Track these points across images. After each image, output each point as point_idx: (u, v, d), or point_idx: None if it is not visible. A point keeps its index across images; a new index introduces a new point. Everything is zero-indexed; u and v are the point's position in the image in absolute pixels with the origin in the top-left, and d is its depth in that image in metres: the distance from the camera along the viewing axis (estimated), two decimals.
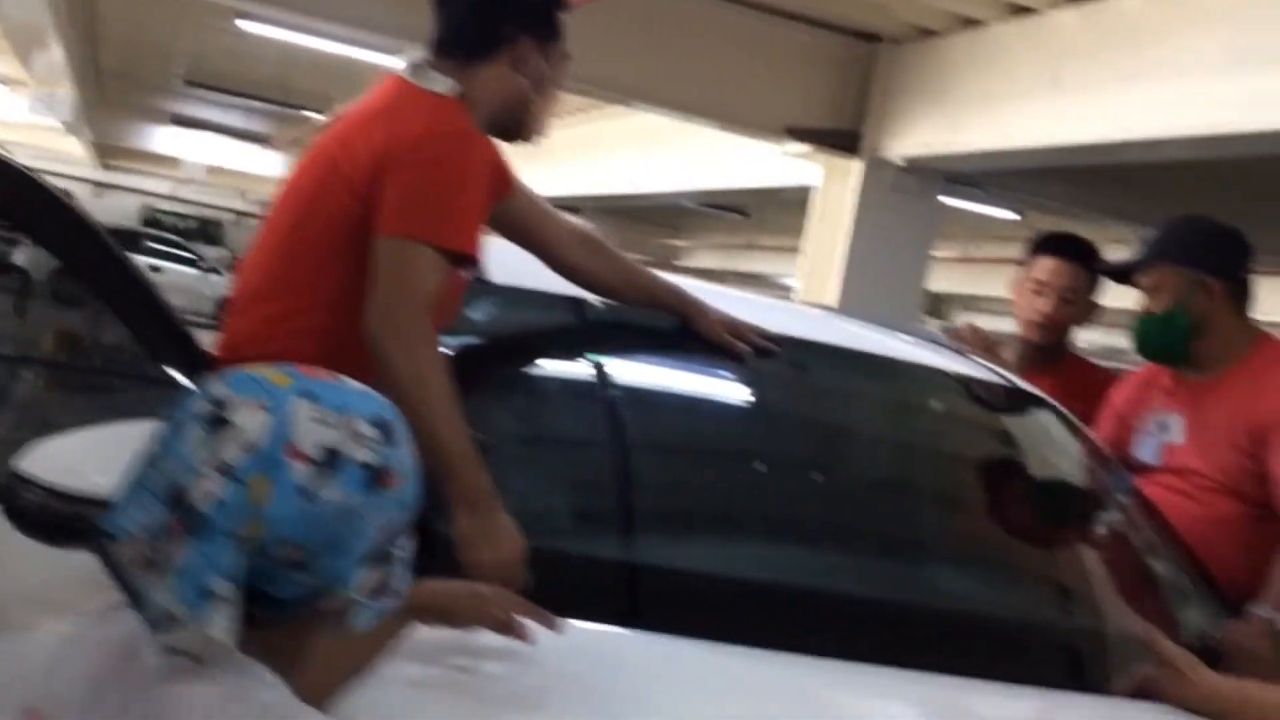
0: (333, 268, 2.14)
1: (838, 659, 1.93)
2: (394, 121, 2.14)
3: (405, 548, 1.33)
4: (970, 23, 6.62)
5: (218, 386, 1.25)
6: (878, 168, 7.09)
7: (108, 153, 26.49)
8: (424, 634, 1.65)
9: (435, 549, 1.82)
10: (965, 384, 2.96)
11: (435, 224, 2.07)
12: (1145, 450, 3.01)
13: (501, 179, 2.31)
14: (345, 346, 2.04)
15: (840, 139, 7.17)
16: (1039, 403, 3.01)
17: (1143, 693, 2.08)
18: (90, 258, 2.14)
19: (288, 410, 1.22)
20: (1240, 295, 2.95)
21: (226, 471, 1.18)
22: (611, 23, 6.90)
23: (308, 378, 1.28)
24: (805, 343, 2.77)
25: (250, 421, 1.20)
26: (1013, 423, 3.09)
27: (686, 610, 1.96)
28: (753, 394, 2.73)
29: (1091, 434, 2.99)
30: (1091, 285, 3.57)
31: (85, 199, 22.77)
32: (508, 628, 1.65)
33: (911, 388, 2.99)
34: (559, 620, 1.72)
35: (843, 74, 7.34)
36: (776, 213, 13.47)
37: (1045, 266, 3.59)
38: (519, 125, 2.32)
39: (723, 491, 2.47)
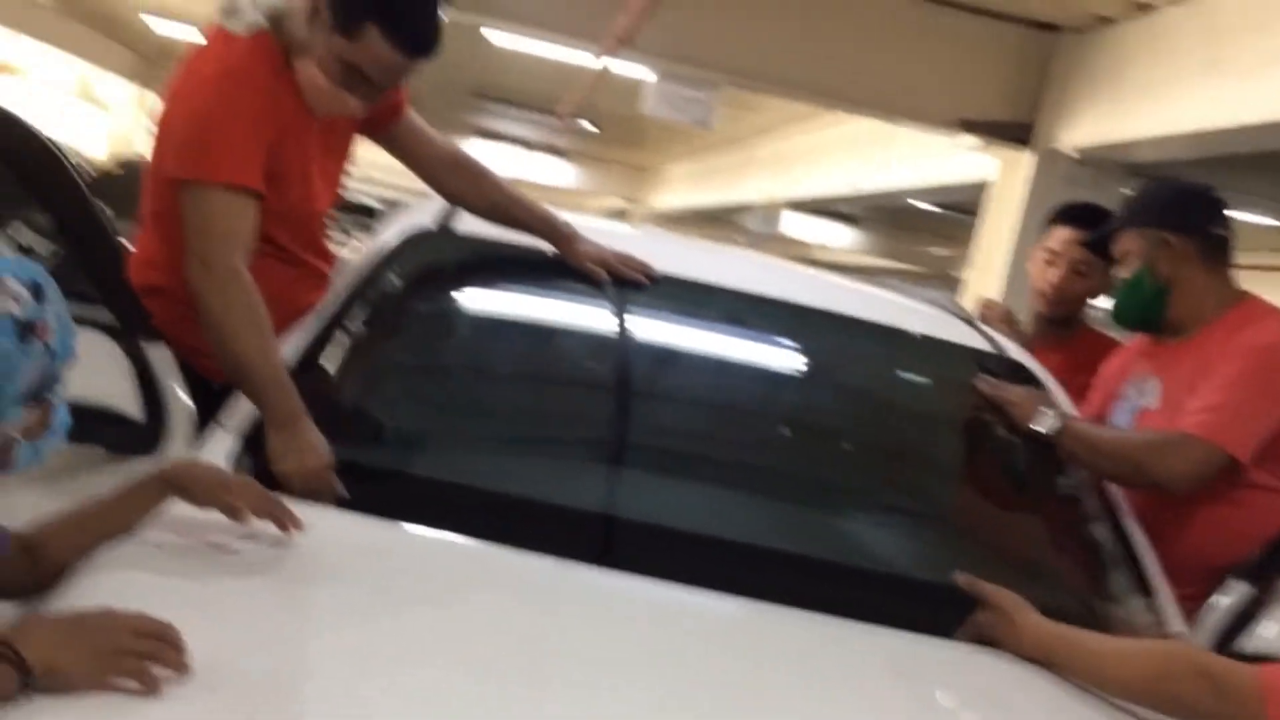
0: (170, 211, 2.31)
1: (627, 571, 2.01)
2: (193, 69, 2.30)
3: (59, 394, 1.56)
4: (1143, 8, 6.34)
5: None
6: (1050, 160, 6.87)
7: None
8: (191, 511, 1.80)
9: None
10: (913, 342, 2.97)
11: (200, 161, 2.18)
12: (1120, 417, 2.93)
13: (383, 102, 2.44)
14: None
15: (1013, 131, 7.00)
16: (1013, 368, 2.97)
17: (981, 638, 2.08)
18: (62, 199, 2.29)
19: None
20: (1213, 253, 2.83)
21: None
22: (782, 18, 7.02)
23: None
24: (704, 286, 2.83)
25: None
26: (962, 383, 3.06)
27: (473, 516, 2.09)
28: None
29: (1064, 406, 2.92)
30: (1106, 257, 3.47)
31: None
32: (235, 513, 1.77)
33: (862, 345, 3.01)
34: (297, 518, 1.83)
35: (1018, 64, 7.18)
36: None
37: (1059, 236, 3.52)
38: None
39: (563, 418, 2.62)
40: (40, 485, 2.05)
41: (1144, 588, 2.44)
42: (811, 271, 3.77)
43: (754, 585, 2.04)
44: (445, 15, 2.27)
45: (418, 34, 2.21)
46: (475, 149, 19.06)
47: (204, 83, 2.23)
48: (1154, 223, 2.82)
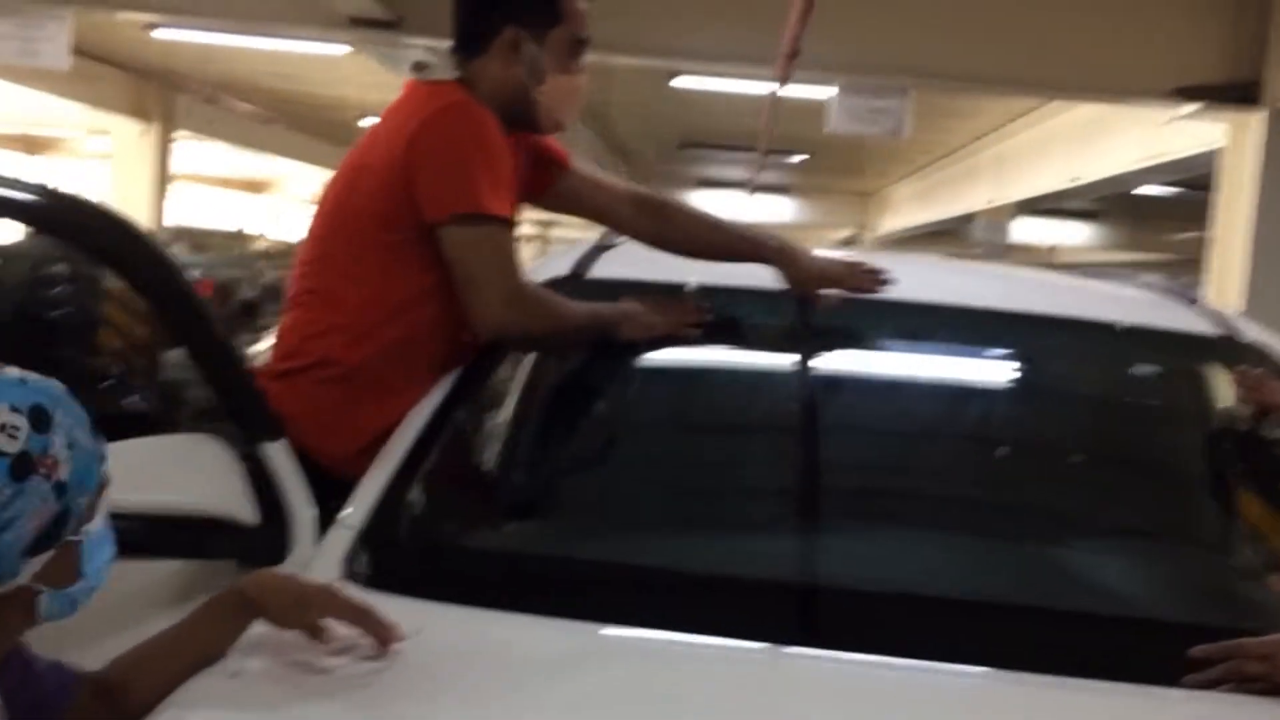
0: (370, 274, 2.25)
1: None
2: (401, 119, 2.26)
3: (89, 532, 1.35)
4: None
5: None
6: None
7: None
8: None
9: None
10: (1131, 337, 2.51)
11: (472, 195, 2.17)
12: None
13: (542, 158, 2.44)
14: (388, 345, 2.23)
15: (1238, 91, 6.38)
16: (1248, 352, 2.54)
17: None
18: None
19: None
20: None
21: None
22: (962, 8, 6.67)
23: None
24: (886, 304, 2.43)
25: None
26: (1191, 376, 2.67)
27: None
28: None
29: None
30: None
31: None
32: (317, 634, 1.56)
33: (1070, 347, 2.59)
34: (391, 627, 1.59)
35: (1234, 19, 6.53)
36: None
37: None
38: (527, 115, 2.36)
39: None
40: (177, 609, 1.94)
41: None
42: (995, 269, 3.43)
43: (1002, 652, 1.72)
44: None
45: None
46: (698, 198, 19.21)
47: (440, 122, 2.21)
48: None
